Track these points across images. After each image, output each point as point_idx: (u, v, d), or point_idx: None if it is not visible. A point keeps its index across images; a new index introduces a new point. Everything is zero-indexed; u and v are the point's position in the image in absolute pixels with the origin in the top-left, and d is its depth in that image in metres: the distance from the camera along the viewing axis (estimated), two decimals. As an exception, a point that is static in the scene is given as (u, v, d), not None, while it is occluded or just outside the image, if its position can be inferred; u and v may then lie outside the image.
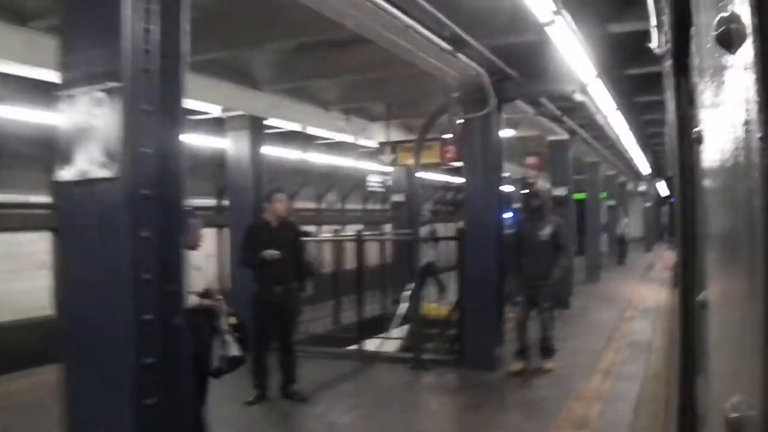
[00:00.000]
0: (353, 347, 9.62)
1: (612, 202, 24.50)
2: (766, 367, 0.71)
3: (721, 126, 0.94)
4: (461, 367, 8.47)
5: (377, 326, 12.38)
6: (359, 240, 9.64)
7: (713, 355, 1.25)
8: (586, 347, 9.78)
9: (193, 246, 5.06)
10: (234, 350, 5.09)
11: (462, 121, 8.12)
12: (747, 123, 0.76)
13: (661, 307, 13.88)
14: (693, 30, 1.66)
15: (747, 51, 0.75)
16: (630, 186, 30.24)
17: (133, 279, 3.42)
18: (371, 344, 10.44)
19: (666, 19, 2.69)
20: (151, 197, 3.47)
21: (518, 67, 7.98)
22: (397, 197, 14.83)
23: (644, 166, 20.81)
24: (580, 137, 14.46)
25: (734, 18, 0.77)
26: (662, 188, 34.03)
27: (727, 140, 0.88)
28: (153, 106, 3.52)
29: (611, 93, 8.80)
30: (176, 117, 3.74)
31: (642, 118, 12.72)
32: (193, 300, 4.79)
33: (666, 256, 19.48)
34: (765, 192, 0.70)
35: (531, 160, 17.96)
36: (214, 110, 10.02)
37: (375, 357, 9.27)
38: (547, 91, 8.05)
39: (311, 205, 24.63)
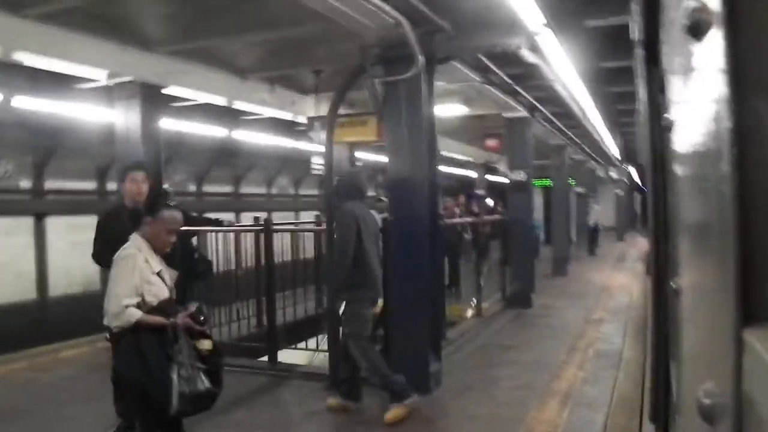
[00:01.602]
0: (264, 359, 7.99)
1: (581, 189, 23.14)
2: (738, 353, 0.70)
3: (689, 114, 0.97)
4: (388, 388, 6.91)
5: (314, 328, 10.74)
6: (267, 231, 7.90)
7: (685, 342, 1.27)
8: (543, 359, 8.24)
9: (162, 246, 4.15)
10: (200, 384, 3.95)
11: (378, 86, 6.53)
12: (715, 110, 0.75)
13: (634, 304, 12.42)
14: (662, 21, 1.54)
15: (715, 39, 0.74)
16: (601, 172, 28.82)
17: None
18: (297, 355, 8.76)
19: (637, 7, 2.65)
20: None
21: (450, 16, 6.34)
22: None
23: (615, 150, 19.40)
24: (541, 115, 12.90)
25: (703, 7, 0.77)
26: (634, 174, 32.90)
27: (696, 127, 0.90)
28: None
29: (569, 53, 7.22)
30: None
31: (609, 90, 11.12)
32: (132, 315, 3.82)
33: (641, 244, 18.69)
34: (734, 179, 0.70)
35: (490, 142, 16.37)
36: (99, 76, 8.33)
37: (289, 372, 7.66)
38: (486, 46, 6.40)
39: (260, 190, 22.96)
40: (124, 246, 4.08)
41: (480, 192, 24.13)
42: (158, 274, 4.08)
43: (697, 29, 0.80)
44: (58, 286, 15.75)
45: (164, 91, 8.80)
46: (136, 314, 3.85)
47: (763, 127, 0.69)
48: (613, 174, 29.96)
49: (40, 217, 15.32)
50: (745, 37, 0.70)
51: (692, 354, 1.17)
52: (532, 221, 13.62)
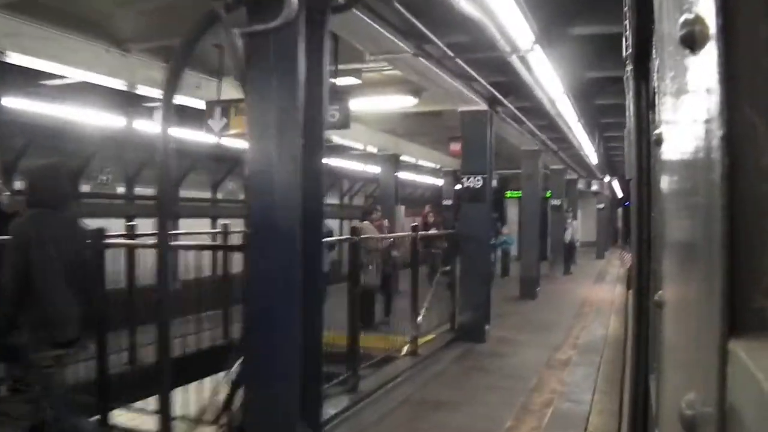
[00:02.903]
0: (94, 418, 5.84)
1: (557, 202, 21.13)
2: (723, 363, 0.70)
3: (681, 126, 0.97)
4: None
5: (216, 363, 8.52)
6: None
7: (668, 353, 1.28)
8: (482, 426, 6.17)
9: None
10: None
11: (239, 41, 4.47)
12: (708, 122, 0.75)
13: (610, 339, 10.35)
14: (655, 35, 1.62)
15: (710, 52, 0.74)
16: (581, 185, 26.81)
17: None
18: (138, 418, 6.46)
19: (628, 24, 2.67)
20: None
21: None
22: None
23: (594, 159, 17.42)
24: (506, 111, 10.83)
25: (698, 20, 0.77)
26: (617, 188, 31.07)
27: (687, 139, 0.90)
28: None
29: (521, 7, 5.16)
30: None
31: (587, 76, 9.03)
32: None
33: (626, 259, 17.65)
34: (725, 189, 0.70)
35: (455, 146, 14.15)
36: None
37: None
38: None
39: (204, 194, 20.78)
40: None
41: (448, 203, 22.09)
42: None
43: (692, 42, 0.78)
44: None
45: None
46: None
47: (755, 136, 0.69)
48: (595, 187, 27.99)
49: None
50: (740, 48, 0.69)
51: (675, 365, 1.15)
52: (494, 237, 11.56)
